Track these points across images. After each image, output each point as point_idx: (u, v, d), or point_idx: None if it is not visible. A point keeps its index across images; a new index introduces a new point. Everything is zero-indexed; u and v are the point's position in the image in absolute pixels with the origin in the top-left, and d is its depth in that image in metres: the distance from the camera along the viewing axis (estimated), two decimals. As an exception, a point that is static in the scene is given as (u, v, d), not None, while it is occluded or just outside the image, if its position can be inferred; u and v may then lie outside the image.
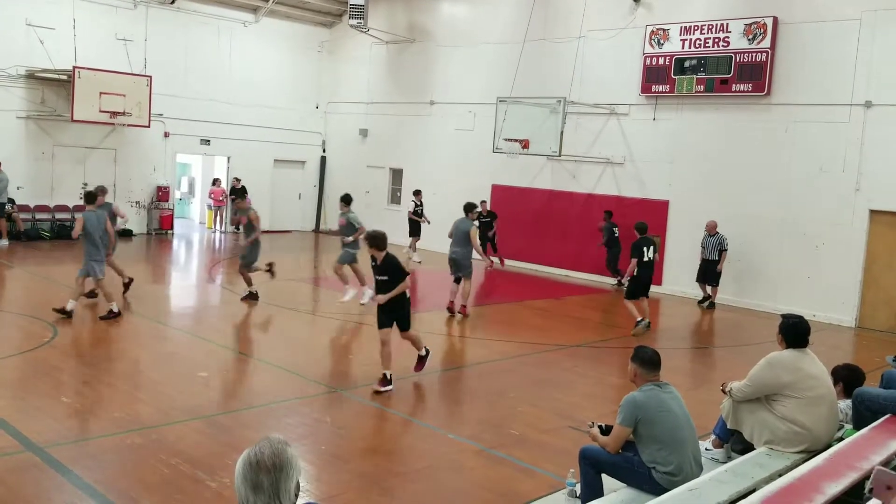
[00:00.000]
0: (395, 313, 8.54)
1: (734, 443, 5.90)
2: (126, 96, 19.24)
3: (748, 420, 5.57)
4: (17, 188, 18.77)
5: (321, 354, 10.29)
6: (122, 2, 20.27)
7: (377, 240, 8.42)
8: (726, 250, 15.07)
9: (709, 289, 15.46)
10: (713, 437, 6.10)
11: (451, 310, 12.68)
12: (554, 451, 6.98)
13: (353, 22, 21.07)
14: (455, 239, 12.68)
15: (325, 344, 10.95)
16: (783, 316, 5.78)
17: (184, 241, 21.46)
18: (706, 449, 5.89)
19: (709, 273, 15.28)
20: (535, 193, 19.19)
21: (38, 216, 19.42)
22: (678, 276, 16.46)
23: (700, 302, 15.56)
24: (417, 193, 19.98)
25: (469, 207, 12.90)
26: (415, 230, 19.81)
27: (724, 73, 15.67)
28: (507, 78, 18.13)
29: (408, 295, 8.61)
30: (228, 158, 23.20)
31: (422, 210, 19.73)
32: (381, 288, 8.50)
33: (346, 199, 13.29)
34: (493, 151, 17.62)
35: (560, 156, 16.95)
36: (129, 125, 19.85)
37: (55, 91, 19.22)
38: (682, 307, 15.41)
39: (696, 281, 15.68)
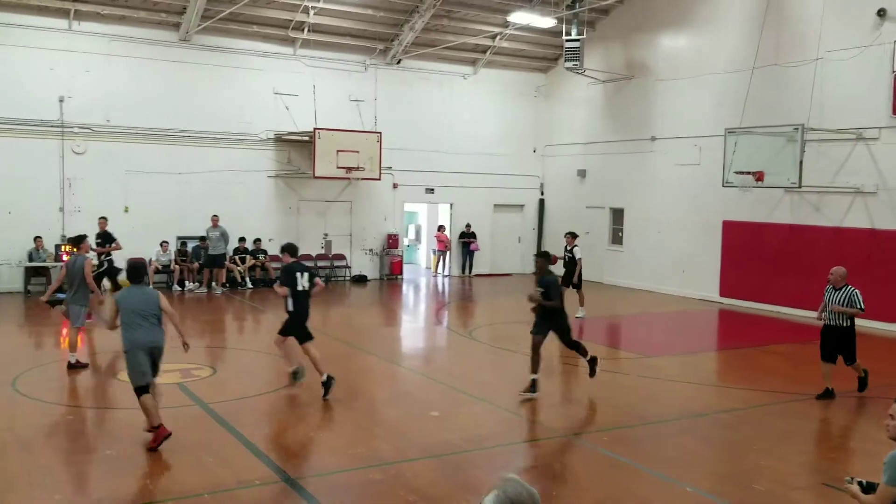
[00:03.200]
0: (550, 322, 9.93)
1: None
2: (359, 152, 20.75)
3: None
4: (269, 240, 20.76)
5: (547, 398, 10.19)
6: (354, 66, 22.01)
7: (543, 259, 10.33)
8: None
9: None
10: None
11: None
12: (810, 510, 6.30)
13: (569, 65, 21.20)
14: None
15: (551, 387, 10.84)
16: None
17: (412, 285, 22.49)
18: None
19: None
20: (773, 228, 17.86)
21: (286, 265, 21.31)
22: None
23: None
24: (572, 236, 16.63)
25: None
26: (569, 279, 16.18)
27: None
28: (735, 108, 17.25)
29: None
30: (451, 205, 24.13)
31: (571, 256, 16.33)
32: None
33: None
34: (723, 186, 16.71)
35: (800, 187, 15.68)
36: (362, 179, 21.36)
37: (299, 151, 21.18)
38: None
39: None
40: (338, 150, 20.41)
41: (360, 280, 22.22)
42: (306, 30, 20.52)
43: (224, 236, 19.54)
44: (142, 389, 7.42)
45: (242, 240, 20.28)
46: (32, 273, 18.13)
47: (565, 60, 21.26)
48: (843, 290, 9.80)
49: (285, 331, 9.97)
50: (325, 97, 21.05)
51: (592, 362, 10.31)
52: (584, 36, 20.99)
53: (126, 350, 7.48)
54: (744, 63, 17.63)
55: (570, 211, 23.87)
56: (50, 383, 10.11)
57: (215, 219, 19.54)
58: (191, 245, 19.96)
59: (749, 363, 12.53)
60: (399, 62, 22.49)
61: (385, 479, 6.82)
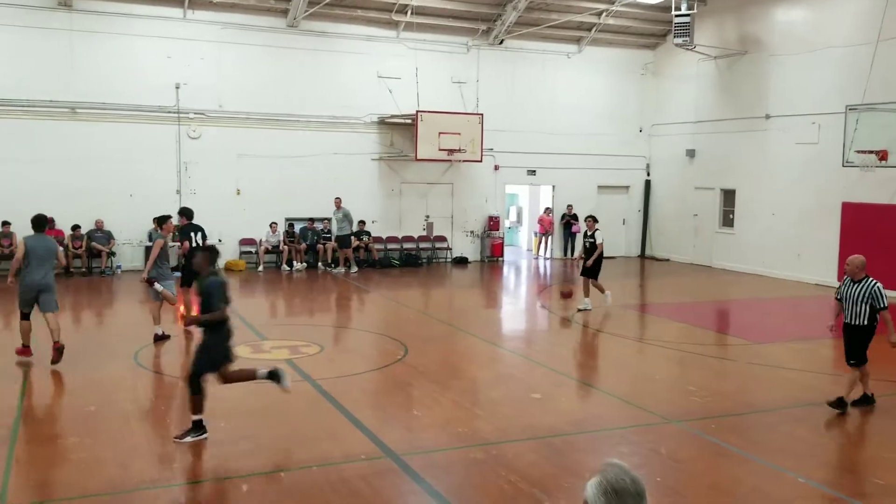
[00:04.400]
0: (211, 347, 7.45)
1: None
2: (461, 134, 20.78)
3: None
4: (373, 222, 21.15)
5: (652, 383, 9.95)
6: (456, 48, 22.00)
7: None
8: None
9: None
10: None
11: None
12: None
13: (679, 40, 20.45)
14: None
15: (656, 372, 10.58)
16: None
17: (513, 267, 22.41)
18: None
19: None
20: (897, 210, 16.79)
21: (389, 246, 21.69)
22: None
23: None
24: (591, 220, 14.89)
25: None
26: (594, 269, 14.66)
27: None
28: (856, 83, 16.27)
29: None
30: (553, 187, 23.86)
31: (592, 242, 14.62)
32: None
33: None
34: (843, 165, 15.84)
35: (929, 165, 14.66)
36: (464, 161, 21.39)
37: (401, 134, 21.40)
38: None
39: None
40: (440, 133, 20.50)
41: (461, 262, 22.33)
42: (409, 12, 20.65)
43: (347, 217, 20.02)
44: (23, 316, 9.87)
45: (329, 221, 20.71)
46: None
47: (674, 36, 20.52)
48: (863, 283, 8.30)
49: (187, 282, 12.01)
50: (427, 80, 21.15)
51: (273, 376, 7.62)
52: (695, 10, 20.18)
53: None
54: (867, 35, 16.57)
55: (678, 192, 23.19)
56: (167, 357, 10.66)
57: (338, 201, 20.09)
58: (298, 226, 20.58)
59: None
60: (501, 42, 22.32)
61: (486, 458, 6.84)
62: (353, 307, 15.98)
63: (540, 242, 24.21)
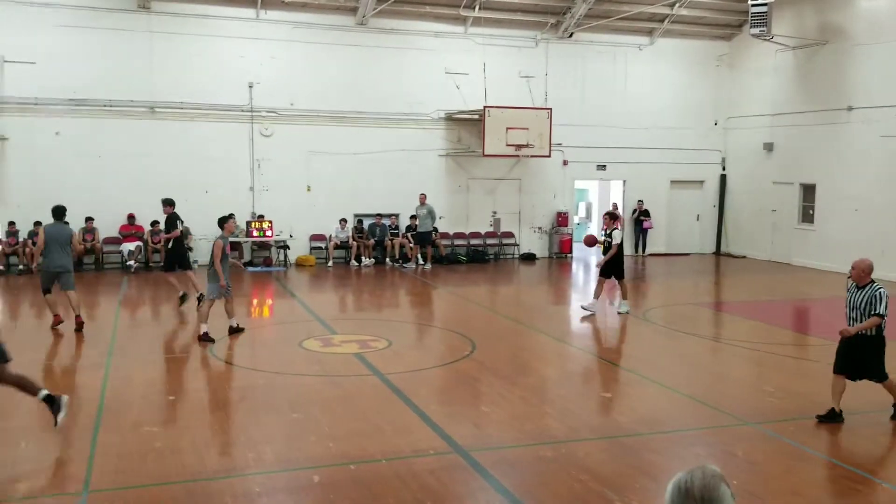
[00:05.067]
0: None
1: None
2: (529, 129, 20.62)
3: None
4: (440, 217, 21.21)
5: (727, 383, 9.66)
6: (524, 42, 21.83)
7: None
8: None
9: None
10: None
11: None
12: None
13: (755, 31, 19.82)
14: None
15: (732, 372, 10.27)
16: None
17: (582, 263, 22.14)
18: None
19: None
20: None
21: (456, 242, 21.70)
22: None
23: None
24: (613, 218, 13.95)
25: None
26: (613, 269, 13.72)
27: None
28: (949, 70, 15.43)
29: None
30: (624, 182, 23.45)
31: (610, 242, 13.69)
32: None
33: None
34: (933, 157, 15.04)
35: None
36: (532, 156, 21.22)
37: (469, 129, 21.37)
38: None
39: None
40: (507, 128, 20.40)
41: (529, 258, 22.18)
42: (478, 7, 20.59)
43: (431, 214, 20.14)
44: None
45: (414, 217, 20.78)
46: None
47: (751, 26, 19.90)
48: (867, 288, 7.58)
49: (170, 266, 13.97)
50: (494, 74, 21.05)
51: (50, 402, 7.06)
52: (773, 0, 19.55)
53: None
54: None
55: (755, 187, 22.51)
56: (241, 349, 10.90)
57: (422, 196, 20.22)
58: (367, 222, 20.78)
59: None
60: (571, 35, 22.04)
61: (555, 456, 6.76)
62: (421, 303, 16.04)
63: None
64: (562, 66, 22.05)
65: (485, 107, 20.41)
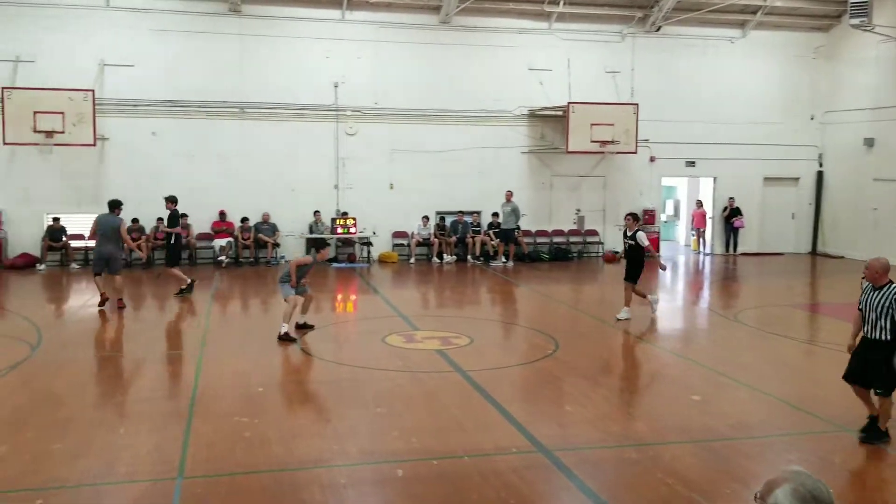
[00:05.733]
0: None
1: None
2: (615, 125, 20.27)
3: None
4: (523, 215, 21.07)
5: (825, 387, 9.22)
6: (610, 37, 21.46)
7: None
8: None
9: None
10: None
11: None
12: None
13: (855, 21, 18.94)
14: None
15: (828, 377, 9.79)
16: None
17: (669, 263, 21.60)
18: None
19: None
20: None
21: (539, 240, 21.53)
22: None
23: None
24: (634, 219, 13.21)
25: None
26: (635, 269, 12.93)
27: None
28: None
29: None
30: (714, 179, 22.77)
31: (633, 244, 12.89)
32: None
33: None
34: None
35: None
36: (617, 153, 20.85)
37: (552, 126, 21.16)
38: None
39: None
40: (592, 124, 20.11)
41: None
42: (562, 3, 20.35)
43: (515, 212, 20.12)
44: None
45: (496, 215, 20.72)
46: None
47: (850, 16, 19.04)
48: (886, 289, 6.93)
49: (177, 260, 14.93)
50: (579, 70, 20.79)
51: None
52: (874, -13, 18.60)
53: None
54: None
55: (854, 184, 21.52)
56: (326, 344, 11.10)
57: (509, 194, 20.23)
58: (448, 220, 20.85)
59: None
60: (659, 29, 21.54)
61: (641, 458, 6.59)
62: (503, 301, 15.97)
63: (698, 238, 23.22)
64: (649, 60, 21.59)
65: (569, 103, 20.17)
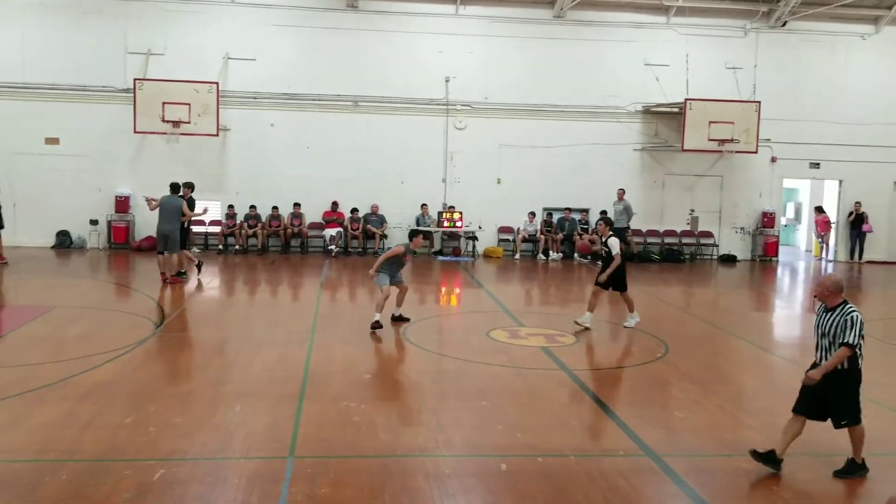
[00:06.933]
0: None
1: None
2: (734, 123, 19.52)
3: None
4: (634, 213, 20.59)
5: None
6: (732, 32, 20.66)
7: None
8: None
9: None
10: None
11: None
12: None
13: None
14: None
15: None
16: None
17: (787, 268, 20.65)
18: None
19: None
20: None
21: (649, 240, 20.99)
22: None
23: None
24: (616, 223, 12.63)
25: None
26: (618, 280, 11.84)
27: None
28: None
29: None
30: (840, 182, 21.56)
31: (608, 251, 11.68)
32: None
33: None
34: None
35: None
36: (736, 152, 20.07)
37: (667, 123, 20.58)
38: None
39: None
40: (710, 122, 19.44)
41: (729, 260, 21.01)
42: (682, -3, 19.77)
43: (627, 210, 19.81)
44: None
45: (604, 212, 20.30)
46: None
47: None
48: (838, 311, 6.14)
49: (183, 244, 14.84)
50: (697, 66, 20.13)
51: None
52: None
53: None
54: None
55: None
56: (431, 335, 11.20)
57: (621, 192, 19.96)
58: (556, 216, 20.64)
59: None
60: (784, 24, 20.57)
61: (756, 469, 6.30)
62: (609, 300, 15.64)
63: (820, 244, 22.07)
64: (773, 56, 20.66)
65: (686, 99, 19.56)
